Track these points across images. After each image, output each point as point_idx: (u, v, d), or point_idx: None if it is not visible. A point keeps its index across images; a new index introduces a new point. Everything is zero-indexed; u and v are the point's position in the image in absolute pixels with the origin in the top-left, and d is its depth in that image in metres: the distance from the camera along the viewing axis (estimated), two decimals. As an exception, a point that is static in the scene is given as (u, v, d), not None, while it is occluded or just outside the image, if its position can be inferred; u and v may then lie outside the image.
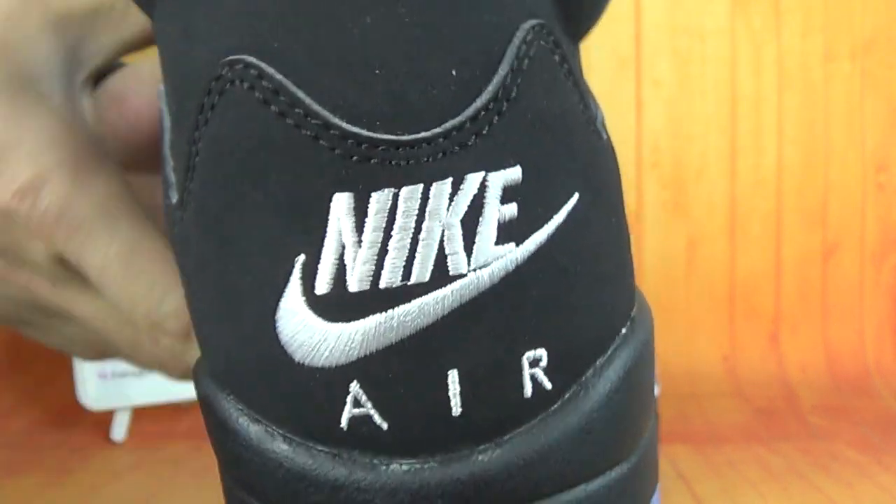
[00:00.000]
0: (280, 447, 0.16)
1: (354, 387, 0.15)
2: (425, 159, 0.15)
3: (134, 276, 0.24)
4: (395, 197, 0.15)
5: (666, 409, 0.66)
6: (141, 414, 0.67)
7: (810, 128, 0.96)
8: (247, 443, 0.16)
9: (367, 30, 0.14)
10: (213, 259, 0.15)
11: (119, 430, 0.64)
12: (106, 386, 0.62)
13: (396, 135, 0.15)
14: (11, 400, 0.69)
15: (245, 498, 0.17)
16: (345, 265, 0.15)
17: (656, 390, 0.64)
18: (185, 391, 0.62)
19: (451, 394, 0.16)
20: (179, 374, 0.30)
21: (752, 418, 0.74)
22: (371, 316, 0.15)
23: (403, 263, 0.15)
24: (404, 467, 0.16)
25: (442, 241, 0.15)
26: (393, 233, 0.15)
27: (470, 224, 0.16)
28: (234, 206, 0.15)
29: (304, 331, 0.15)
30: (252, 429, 0.16)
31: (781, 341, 0.93)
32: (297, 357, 0.16)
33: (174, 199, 0.16)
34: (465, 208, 0.16)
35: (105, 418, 0.65)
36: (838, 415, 0.73)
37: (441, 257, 0.16)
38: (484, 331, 0.16)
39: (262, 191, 0.15)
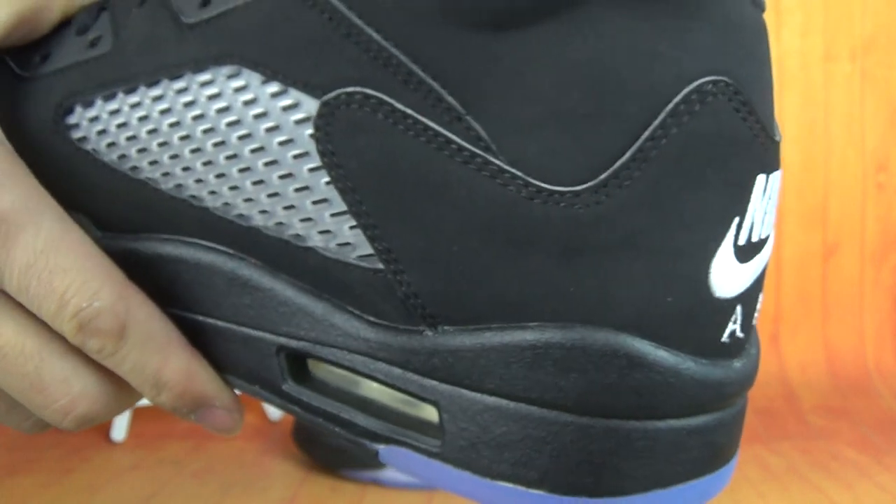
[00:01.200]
0: (687, 364, 0.21)
1: (738, 309, 0.22)
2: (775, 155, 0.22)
3: (63, 271, 0.23)
4: (767, 179, 0.22)
5: (665, 408, 0.66)
6: (141, 414, 0.68)
7: (810, 128, 0.95)
8: (662, 368, 0.21)
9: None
10: (654, 227, 0.20)
11: (119, 430, 0.65)
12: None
13: (773, 137, 0.22)
14: (12, 400, 0.72)
15: (648, 416, 0.21)
16: (752, 223, 0.22)
17: None
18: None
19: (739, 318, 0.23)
20: (111, 390, 0.25)
21: (752, 418, 0.74)
22: (754, 258, 0.22)
23: (762, 223, 0.23)
24: (736, 365, 0.23)
25: (766, 210, 0.23)
26: (760, 202, 0.22)
27: (771, 204, 0.23)
28: (692, 185, 0.20)
29: (727, 272, 0.21)
30: (663, 355, 0.21)
31: (781, 341, 0.93)
32: (717, 292, 0.22)
33: None
34: (775, 192, 0.23)
35: None
36: (838, 415, 0.73)
37: (769, 221, 0.23)
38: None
39: (717, 173, 0.20)
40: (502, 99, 0.20)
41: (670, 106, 0.20)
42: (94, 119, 0.25)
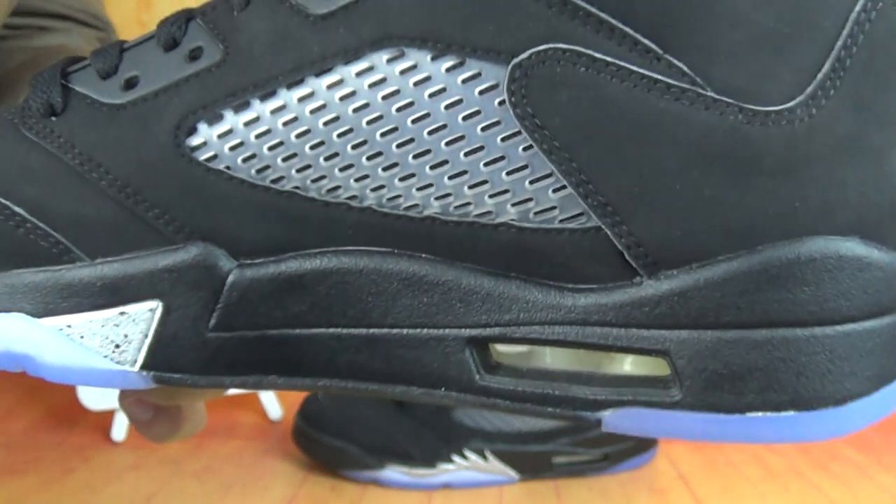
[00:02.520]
0: (876, 254, 0.22)
1: None
2: None
3: None
4: None
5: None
6: None
7: None
8: (884, 265, 0.21)
9: None
10: (860, 129, 0.21)
11: (119, 430, 0.64)
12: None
13: None
14: (12, 400, 0.69)
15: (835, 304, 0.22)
16: None
17: None
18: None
19: None
20: None
21: None
22: None
23: None
24: None
25: None
26: None
27: None
28: (884, 85, 0.21)
29: None
30: (881, 255, 0.22)
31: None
32: None
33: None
34: None
35: (105, 418, 0.65)
36: None
37: None
38: None
39: None
40: (701, 31, 0.21)
41: (853, 14, 0.21)
42: (227, 133, 0.23)
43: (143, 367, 0.24)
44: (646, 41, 0.21)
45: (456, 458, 0.57)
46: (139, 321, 0.24)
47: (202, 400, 0.30)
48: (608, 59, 0.21)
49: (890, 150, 0.22)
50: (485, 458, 0.57)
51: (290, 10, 0.23)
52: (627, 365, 0.24)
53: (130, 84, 0.24)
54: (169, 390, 0.28)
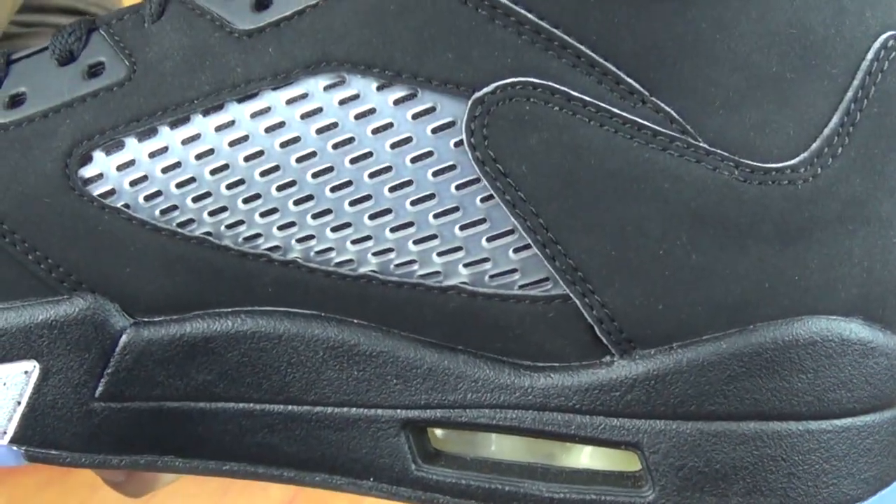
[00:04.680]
0: (881, 338, 0.19)
1: None
2: None
3: None
4: None
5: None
6: None
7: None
8: (889, 351, 0.19)
9: None
10: (869, 195, 0.18)
11: None
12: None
13: None
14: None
15: None
16: None
17: None
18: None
19: None
20: None
21: None
22: None
23: None
24: None
25: None
26: None
27: None
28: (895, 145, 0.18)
29: None
30: (885, 339, 0.19)
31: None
32: None
33: None
34: None
35: None
36: None
37: None
38: None
39: None
40: (695, 72, 0.18)
41: (865, 63, 0.19)
42: (127, 165, 0.19)
43: (13, 440, 0.20)
44: (630, 80, 0.18)
45: None
46: (11, 385, 0.20)
47: None
48: (586, 98, 0.18)
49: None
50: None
51: (210, 24, 0.19)
52: (585, 457, 0.20)
53: (16, 101, 0.20)
54: None
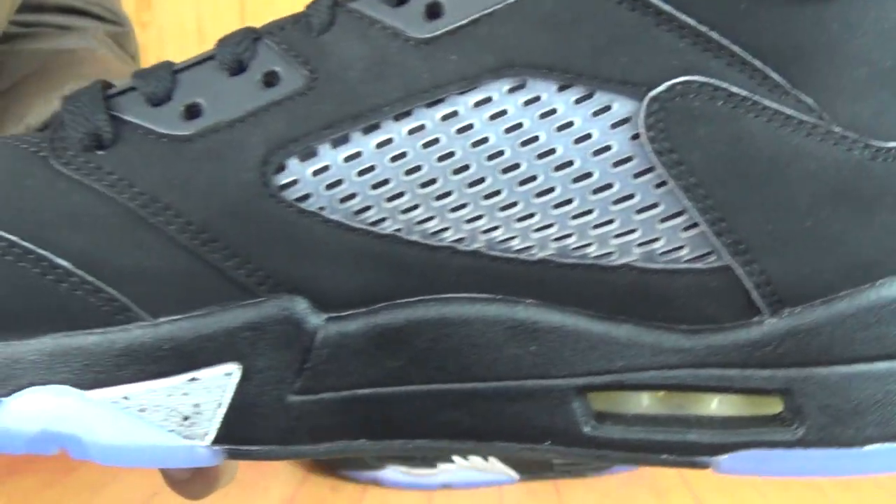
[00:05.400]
0: None
1: None
2: None
3: None
4: None
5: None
6: None
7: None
8: None
9: None
10: None
11: None
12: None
13: None
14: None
15: None
16: None
17: None
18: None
19: None
20: None
21: None
22: None
23: None
24: None
25: None
26: None
27: None
28: None
29: None
30: None
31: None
32: None
33: None
34: None
35: None
36: None
37: None
38: None
39: None
40: (827, 68, 0.21)
41: None
42: (322, 170, 0.20)
43: (215, 441, 0.21)
44: (775, 76, 0.20)
45: (456, 457, 0.57)
46: (213, 388, 0.21)
47: None
48: (743, 92, 0.20)
49: None
50: (485, 457, 0.57)
51: (385, 34, 0.21)
52: (714, 405, 0.23)
53: (193, 112, 0.21)
54: None
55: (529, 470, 0.58)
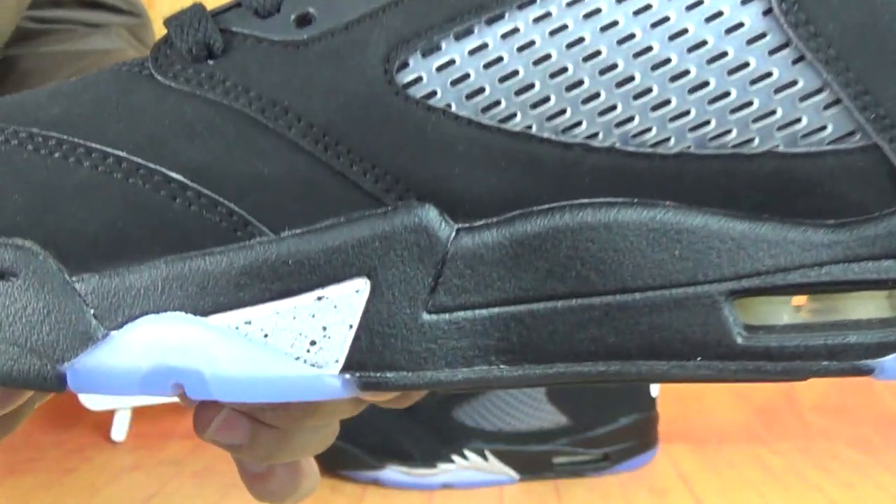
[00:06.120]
0: None
1: None
2: None
3: None
4: None
5: (666, 409, 0.63)
6: (141, 414, 0.67)
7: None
8: None
9: None
10: None
11: (119, 430, 0.65)
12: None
13: None
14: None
15: None
16: None
17: (656, 390, 0.62)
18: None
19: None
20: None
21: (752, 418, 0.72)
22: None
23: None
24: None
25: None
26: None
27: None
28: None
29: None
30: None
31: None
32: None
33: None
34: None
35: (105, 418, 0.66)
36: (838, 415, 0.72)
37: None
38: None
39: None
40: None
41: None
42: (447, 65, 0.19)
43: (345, 367, 0.19)
44: None
45: (456, 458, 0.57)
46: (342, 307, 0.19)
47: (316, 418, 0.24)
48: None
49: None
50: (485, 458, 0.57)
51: None
52: (871, 308, 0.21)
53: (304, 21, 0.20)
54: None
55: (529, 470, 0.58)
